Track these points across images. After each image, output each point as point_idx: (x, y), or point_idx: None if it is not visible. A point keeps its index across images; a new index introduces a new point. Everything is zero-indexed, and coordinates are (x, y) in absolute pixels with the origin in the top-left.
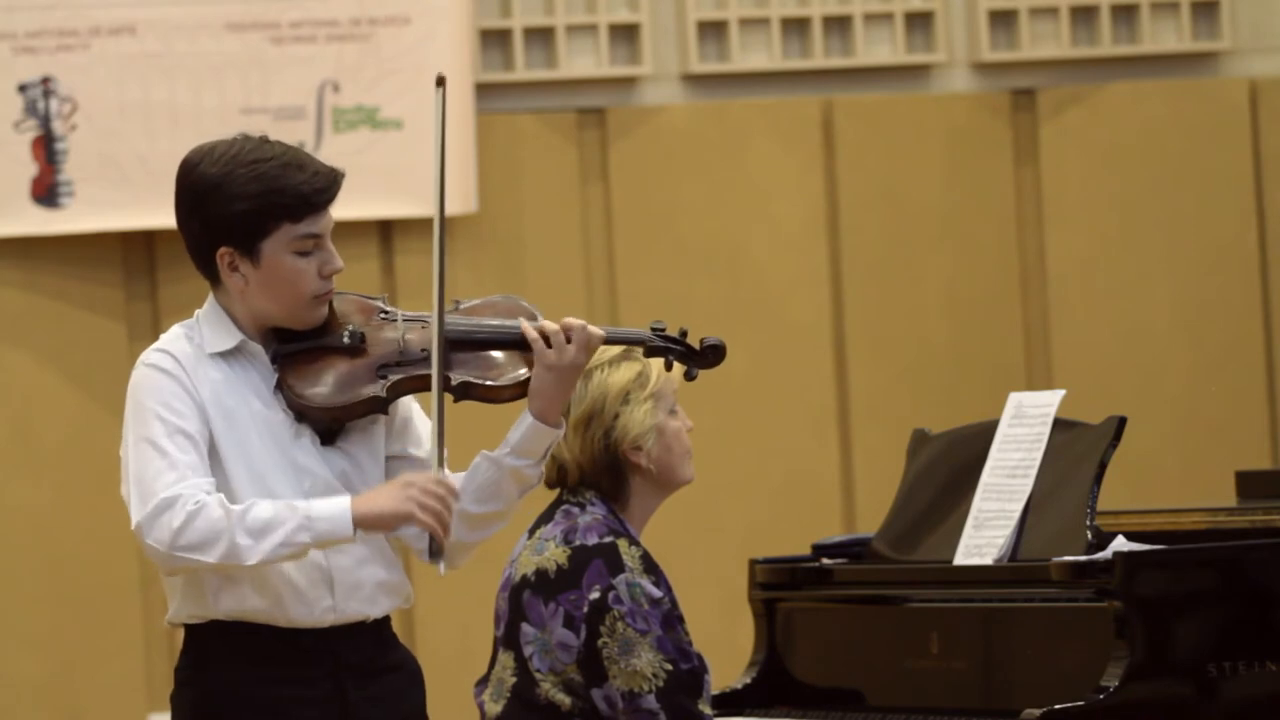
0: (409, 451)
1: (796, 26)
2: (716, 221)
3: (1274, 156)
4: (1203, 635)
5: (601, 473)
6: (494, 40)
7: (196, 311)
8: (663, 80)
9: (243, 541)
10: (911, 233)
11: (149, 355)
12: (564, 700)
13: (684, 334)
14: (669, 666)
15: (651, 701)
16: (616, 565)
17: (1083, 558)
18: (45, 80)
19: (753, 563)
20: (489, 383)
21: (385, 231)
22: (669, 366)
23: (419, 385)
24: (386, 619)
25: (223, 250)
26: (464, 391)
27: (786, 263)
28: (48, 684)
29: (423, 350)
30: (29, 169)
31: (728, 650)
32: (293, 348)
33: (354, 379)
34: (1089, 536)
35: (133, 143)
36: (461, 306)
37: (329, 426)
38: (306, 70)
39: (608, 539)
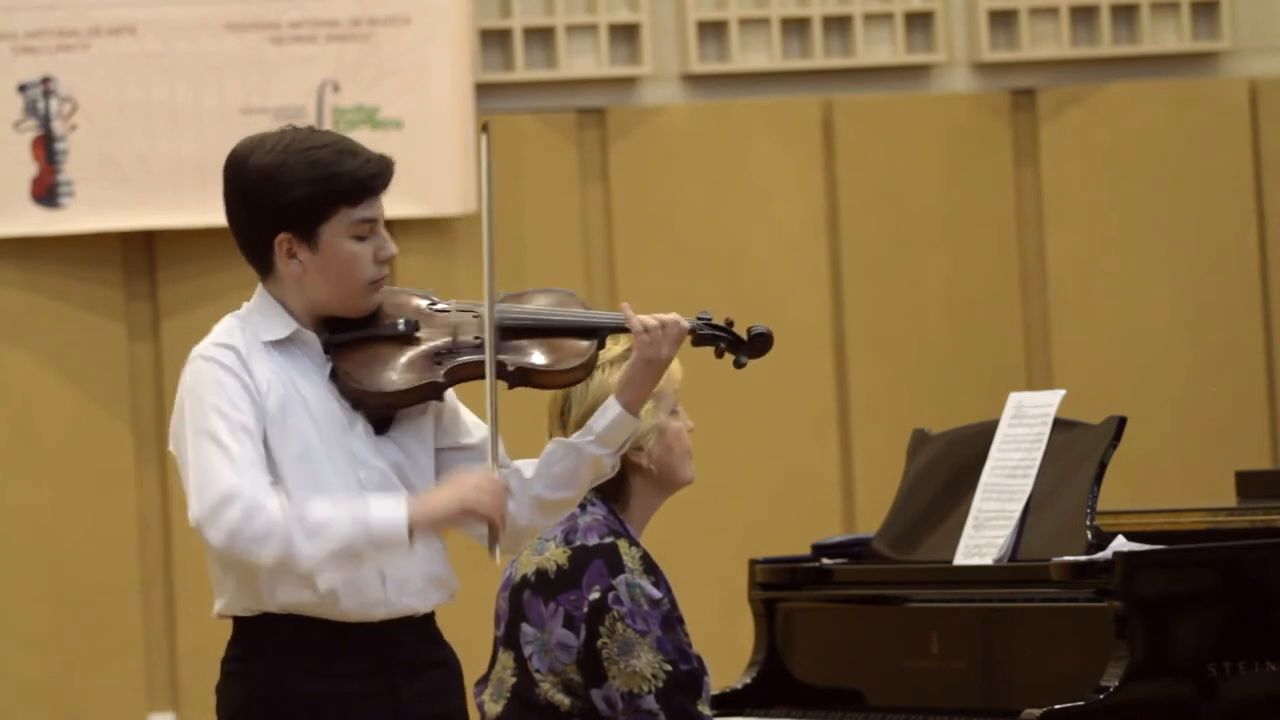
0: (460, 442)
1: (796, 26)
2: (716, 221)
3: (1274, 156)
4: (1203, 635)
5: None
6: (494, 40)
7: (244, 304)
8: (663, 80)
9: (300, 543)
10: (911, 233)
11: (206, 349)
12: (563, 700)
13: (730, 323)
14: (668, 667)
15: (651, 702)
16: (616, 566)
17: (1083, 558)
18: (45, 80)
19: (753, 563)
20: (545, 368)
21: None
22: (719, 354)
23: (475, 372)
24: (432, 615)
25: (281, 237)
26: (520, 378)
27: (786, 263)
28: (48, 684)
29: (476, 338)
30: (29, 169)
31: (728, 650)
32: (346, 336)
33: (410, 366)
34: (1089, 536)
35: (133, 143)
36: (505, 296)
37: (384, 415)
38: (306, 70)
39: (608, 539)
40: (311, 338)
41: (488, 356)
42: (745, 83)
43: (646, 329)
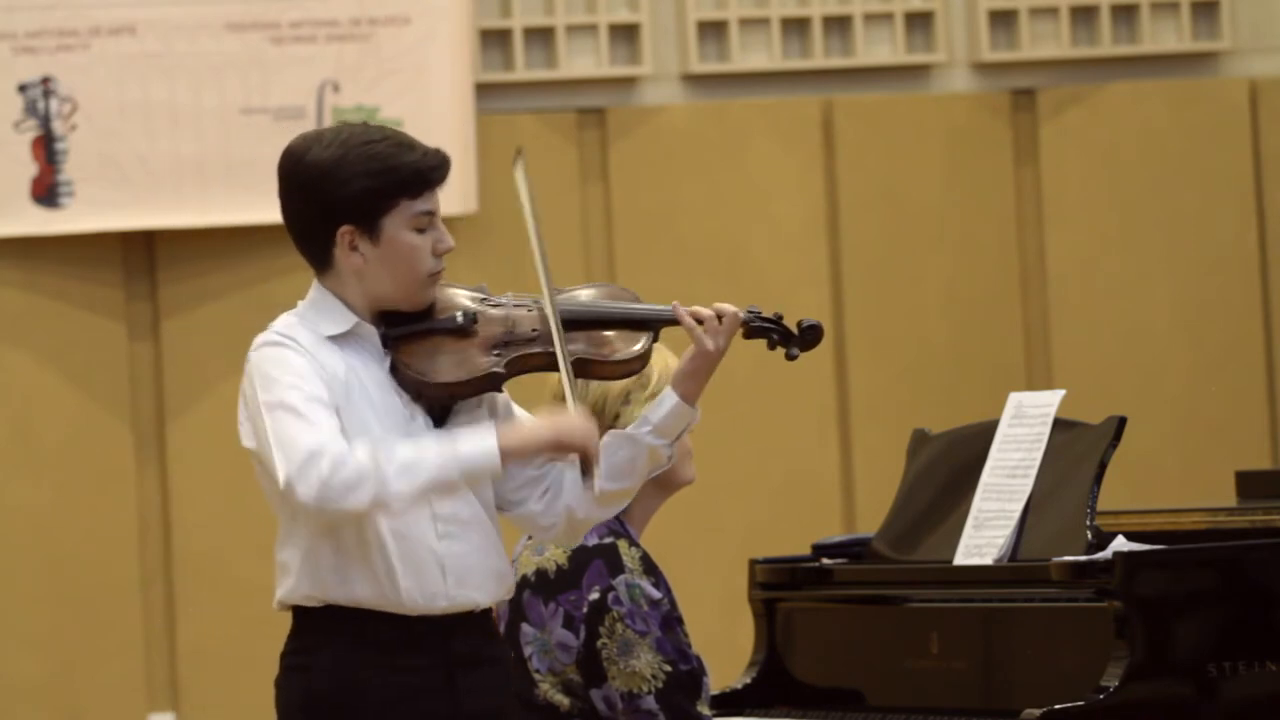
0: None
1: (796, 26)
2: (716, 221)
3: (1274, 156)
4: (1203, 635)
5: None
6: (494, 40)
7: (299, 302)
8: (663, 80)
9: (392, 482)
10: (911, 233)
11: (268, 336)
12: (563, 701)
13: (779, 316)
14: (668, 668)
15: (650, 702)
16: (616, 566)
17: (1083, 558)
18: (45, 80)
19: (753, 563)
20: (604, 359)
21: None
22: (771, 347)
23: (535, 362)
24: (490, 610)
25: (344, 229)
26: (579, 369)
27: (786, 263)
28: (48, 684)
29: (534, 330)
30: (29, 169)
31: (728, 650)
32: (405, 329)
33: (470, 358)
34: (1089, 536)
35: (133, 143)
36: (561, 294)
37: (444, 405)
38: (306, 70)
39: (607, 540)
40: (370, 331)
41: (557, 342)
42: (745, 83)
43: (702, 320)
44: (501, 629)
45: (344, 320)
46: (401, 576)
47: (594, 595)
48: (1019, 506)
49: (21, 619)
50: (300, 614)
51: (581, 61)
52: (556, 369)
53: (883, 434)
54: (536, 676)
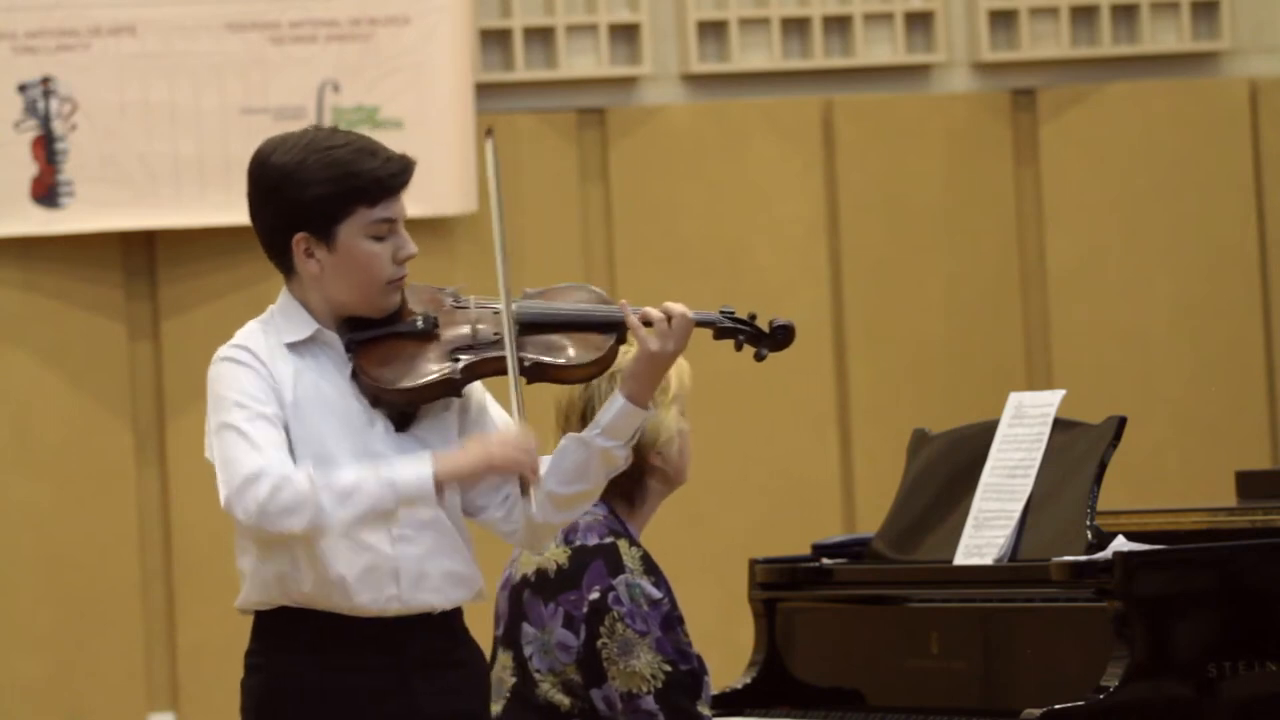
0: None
1: (796, 26)
2: (716, 221)
3: (1274, 156)
4: (1203, 635)
5: (625, 473)
6: (494, 40)
7: (270, 307)
8: (663, 80)
9: (329, 507)
10: (911, 233)
11: (224, 350)
12: (563, 701)
13: (753, 317)
14: (668, 668)
15: (650, 702)
16: (617, 566)
17: (1083, 558)
18: (45, 80)
19: (753, 563)
20: (562, 363)
21: None
22: (739, 347)
23: (493, 368)
24: (457, 612)
25: (299, 237)
26: (537, 373)
27: (786, 263)
28: (48, 684)
29: (495, 333)
30: (29, 169)
31: (728, 650)
32: (366, 335)
33: (428, 363)
34: (1089, 536)
35: (133, 143)
36: (530, 293)
37: (404, 411)
38: (306, 70)
39: (608, 539)
40: (333, 338)
41: (509, 351)
42: (745, 83)
43: (651, 322)
44: (501, 629)
45: (305, 327)
46: (353, 581)
47: (594, 595)
48: (1019, 506)
49: (21, 619)
50: (258, 617)
51: (581, 61)
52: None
53: (883, 434)
54: (537, 676)
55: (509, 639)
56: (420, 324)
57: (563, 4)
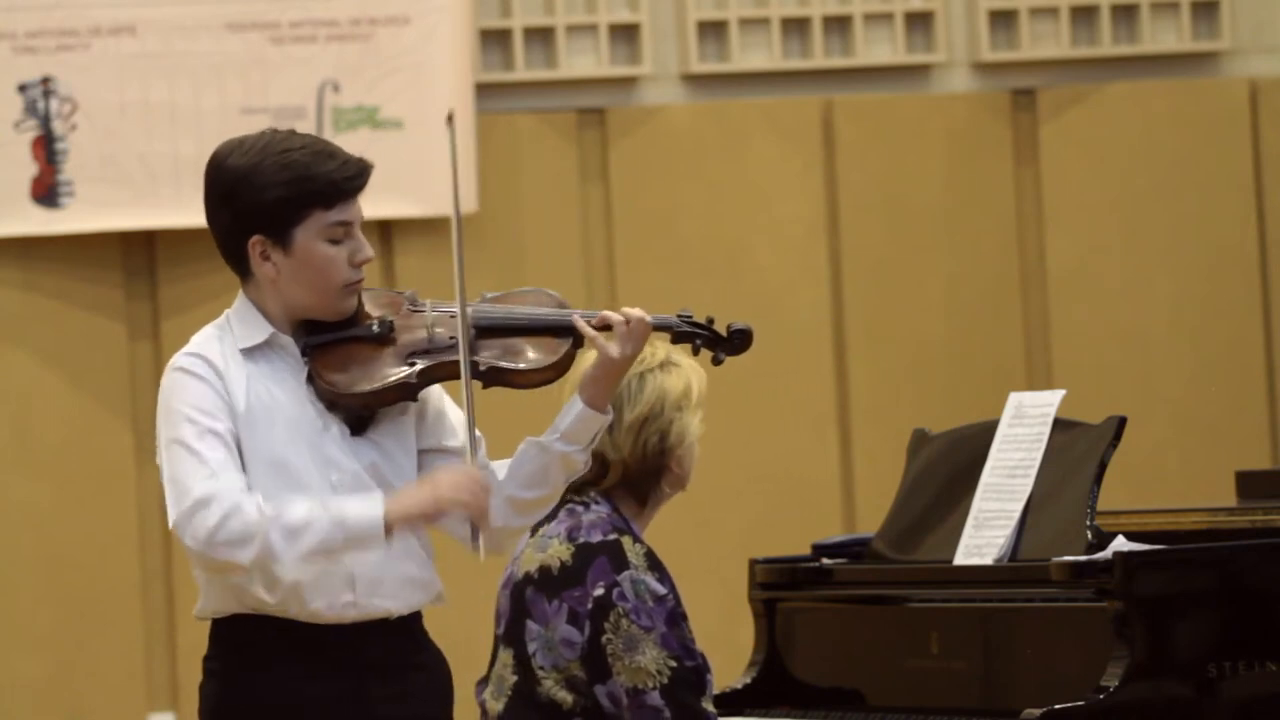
0: (444, 444)
1: (796, 26)
2: (716, 221)
3: (1274, 156)
4: (1203, 635)
5: (644, 474)
6: (494, 40)
7: (226, 311)
8: (663, 80)
9: (277, 544)
10: (911, 233)
11: (178, 359)
12: (565, 698)
13: (711, 321)
14: (673, 663)
15: (656, 698)
16: (621, 562)
17: (1083, 558)
18: (45, 80)
19: (753, 563)
20: (518, 368)
21: (385, 232)
22: (695, 351)
23: (449, 372)
24: (416, 616)
25: (255, 240)
26: (493, 377)
27: (786, 263)
28: (48, 684)
29: (452, 338)
30: (29, 169)
31: (728, 650)
32: (322, 338)
33: (384, 367)
34: (1089, 536)
35: (133, 143)
36: (488, 297)
37: (359, 415)
38: (306, 70)
39: (612, 536)
40: (289, 341)
41: (462, 356)
42: (745, 83)
43: (610, 326)
44: (502, 627)
45: (261, 331)
46: (307, 587)
47: (599, 591)
48: (1019, 506)
49: (21, 619)
50: (215, 624)
51: (581, 61)
52: (474, 378)
53: (883, 434)
54: (540, 673)
55: (511, 637)
56: (376, 328)
57: (563, 4)
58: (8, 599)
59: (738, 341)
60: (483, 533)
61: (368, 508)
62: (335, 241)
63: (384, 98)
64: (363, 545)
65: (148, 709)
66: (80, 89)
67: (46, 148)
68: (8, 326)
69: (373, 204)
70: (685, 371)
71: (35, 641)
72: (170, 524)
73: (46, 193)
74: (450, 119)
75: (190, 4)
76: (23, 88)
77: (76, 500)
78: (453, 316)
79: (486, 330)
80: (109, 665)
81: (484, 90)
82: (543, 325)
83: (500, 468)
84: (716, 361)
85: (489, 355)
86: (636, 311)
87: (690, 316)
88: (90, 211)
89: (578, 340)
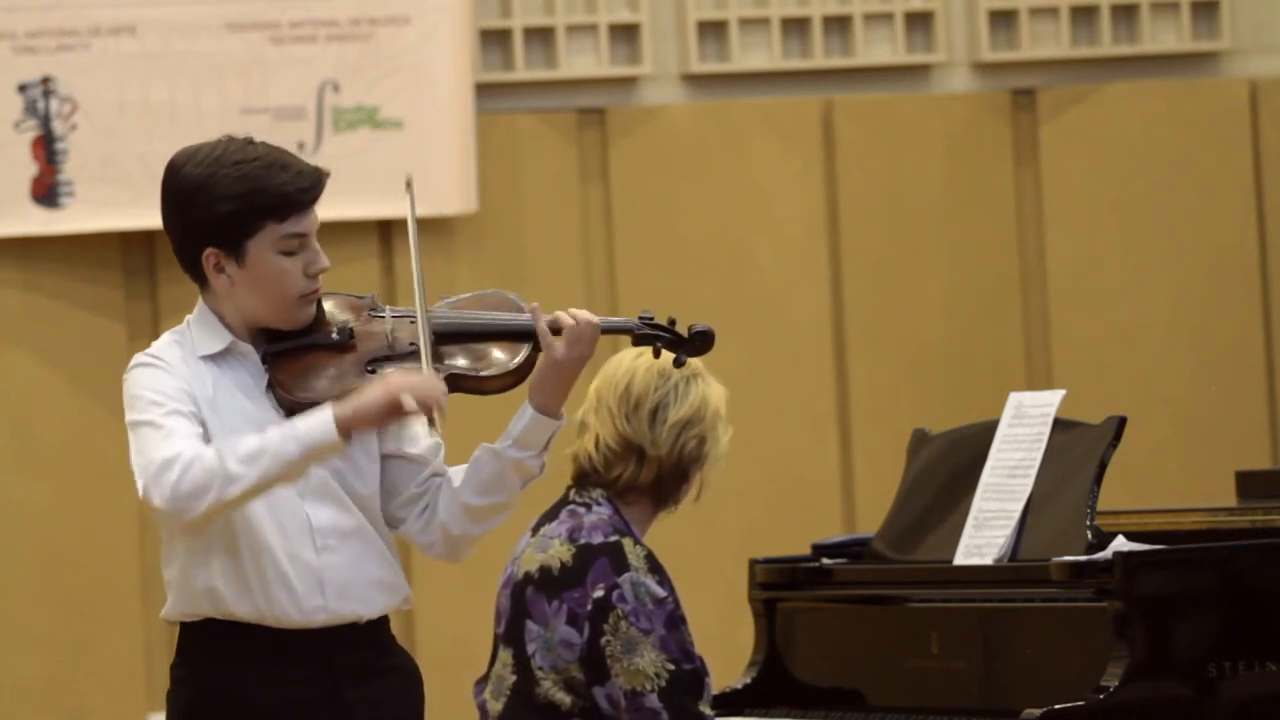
0: (405, 450)
1: (796, 26)
2: (716, 221)
3: (1274, 156)
4: (1203, 635)
5: (673, 477)
6: (494, 40)
7: (187, 317)
8: (663, 80)
9: (235, 470)
10: (911, 233)
11: (139, 358)
12: (564, 699)
13: (672, 322)
14: (671, 666)
15: (654, 700)
16: (621, 564)
17: (1083, 558)
18: (45, 80)
19: (753, 563)
20: (478, 373)
21: (385, 232)
22: (657, 354)
23: None
24: (384, 620)
25: (208, 251)
26: (453, 383)
27: (786, 263)
28: (48, 684)
29: (411, 344)
30: (29, 169)
31: (728, 650)
32: (282, 346)
33: (344, 374)
34: (1089, 536)
35: (133, 143)
36: (449, 301)
37: None
38: (306, 70)
39: (613, 538)
40: (248, 349)
41: (424, 362)
42: (745, 83)
43: (561, 328)
44: (502, 627)
45: (220, 339)
46: (276, 591)
47: (599, 592)
48: (1019, 506)
49: (21, 619)
50: (183, 629)
51: (581, 61)
52: None
53: (883, 434)
54: (539, 674)
55: (510, 637)
56: (336, 335)
57: (563, 4)
58: (8, 599)
59: (699, 343)
60: (439, 420)
61: (317, 413)
62: (289, 253)
63: (384, 98)
64: (320, 450)
65: (148, 709)
66: (80, 89)
67: (46, 148)
68: (8, 326)
69: (373, 204)
70: (720, 389)
71: (35, 641)
72: (140, 492)
73: (46, 193)
74: (409, 185)
75: (190, 4)
76: (23, 88)
77: (76, 500)
78: (412, 321)
79: (446, 336)
80: (109, 665)
81: (484, 90)
82: (503, 329)
83: (455, 474)
84: (678, 363)
85: (449, 360)
86: (585, 314)
87: (652, 319)
88: (90, 211)
89: (538, 344)
